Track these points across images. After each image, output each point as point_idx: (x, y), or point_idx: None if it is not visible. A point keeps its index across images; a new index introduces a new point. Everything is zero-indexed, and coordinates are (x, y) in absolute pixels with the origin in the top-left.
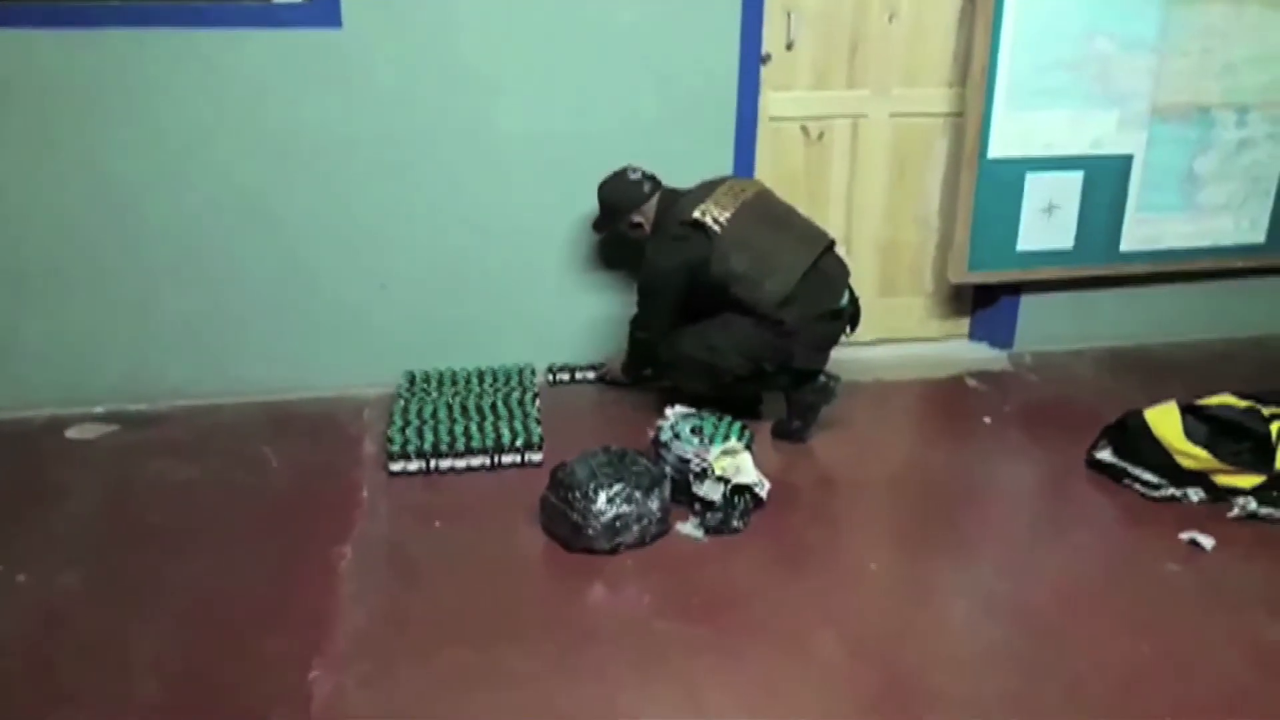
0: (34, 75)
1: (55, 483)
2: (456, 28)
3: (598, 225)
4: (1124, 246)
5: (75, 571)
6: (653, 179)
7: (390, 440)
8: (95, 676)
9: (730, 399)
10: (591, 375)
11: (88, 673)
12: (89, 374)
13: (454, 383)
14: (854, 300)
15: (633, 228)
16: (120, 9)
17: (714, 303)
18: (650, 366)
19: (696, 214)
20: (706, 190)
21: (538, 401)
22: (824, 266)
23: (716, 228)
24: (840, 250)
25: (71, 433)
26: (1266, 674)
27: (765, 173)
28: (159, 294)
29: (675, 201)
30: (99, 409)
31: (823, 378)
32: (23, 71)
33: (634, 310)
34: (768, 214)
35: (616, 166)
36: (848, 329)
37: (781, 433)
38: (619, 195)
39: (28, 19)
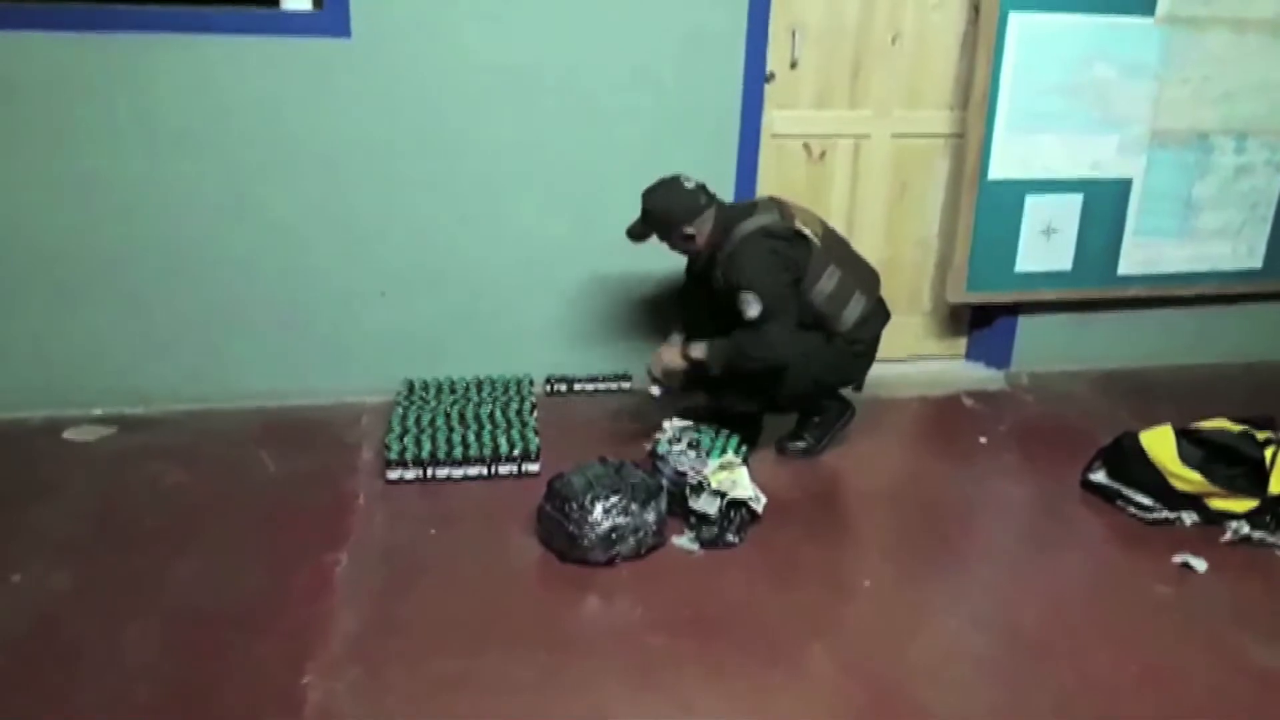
0: (39, 78)
1: (51, 484)
2: (463, 41)
3: (639, 233)
4: (1122, 270)
5: (69, 573)
6: (705, 189)
7: (388, 447)
8: (87, 678)
9: (733, 419)
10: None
11: (80, 675)
12: (87, 376)
13: (452, 391)
14: None
15: (685, 239)
16: (128, 13)
17: None
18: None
19: (798, 226)
20: (780, 207)
21: (536, 412)
22: (880, 294)
23: (817, 241)
24: None
25: (68, 434)
26: (1255, 696)
27: (768, 190)
28: (159, 297)
29: (745, 214)
30: (97, 411)
31: (842, 403)
32: (27, 74)
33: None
34: (839, 240)
35: (618, 180)
36: None
37: (788, 449)
38: (674, 204)
39: (34, 22)
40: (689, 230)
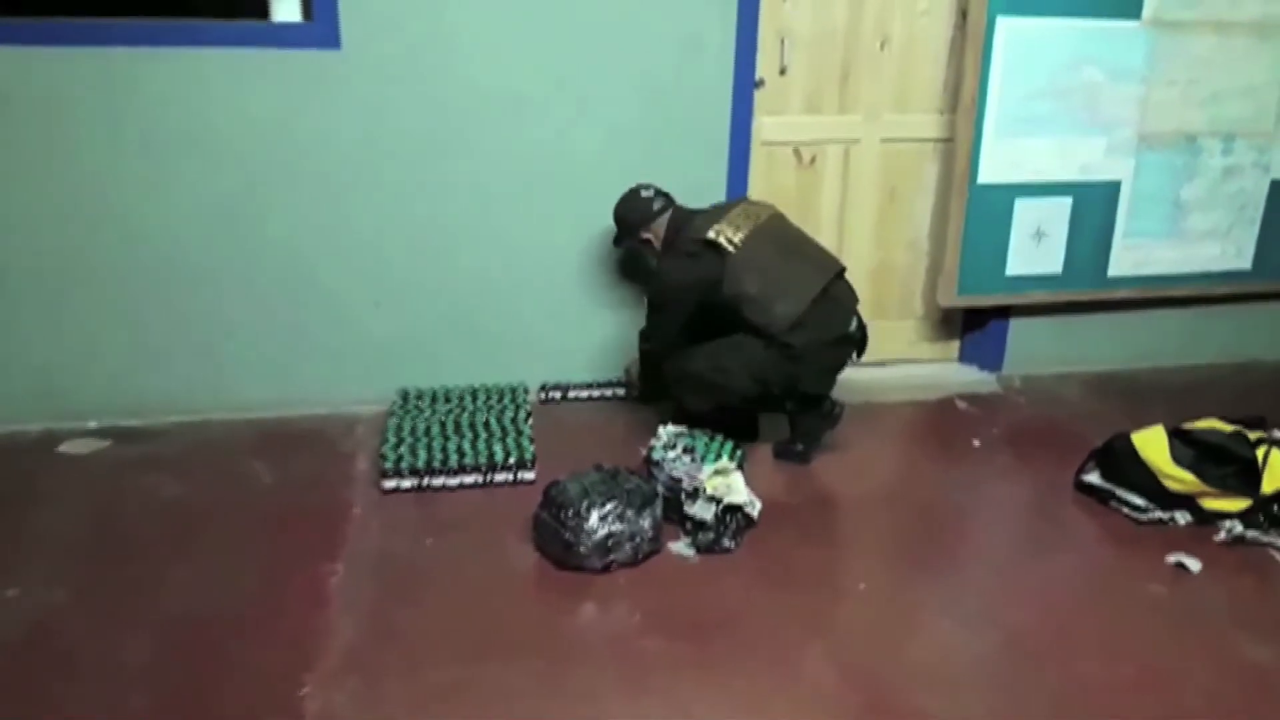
0: (32, 91)
1: (48, 497)
2: (454, 50)
3: (616, 240)
4: (1112, 272)
5: (66, 586)
6: (665, 196)
7: (383, 457)
8: (85, 691)
9: (730, 421)
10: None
11: (77, 687)
12: (82, 389)
13: (447, 400)
14: (861, 326)
15: (643, 244)
16: (120, 27)
17: (724, 324)
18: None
19: (710, 234)
20: (721, 211)
21: (530, 420)
22: (834, 292)
23: (730, 248)
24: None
25: (64, 447)
26: (1250, 696)
27: (757, 196)
28: (153, 309)
29: (689, 220)
30: (92, 424)
31: (828, 403)
32: (21, 87)
33: (642, 324)
34: (781, 238)
35: (609, 188)
36: (855, 354)
37: (783, 454)
38: (629, 212)
39: (28, 36)
40: (645, 235)
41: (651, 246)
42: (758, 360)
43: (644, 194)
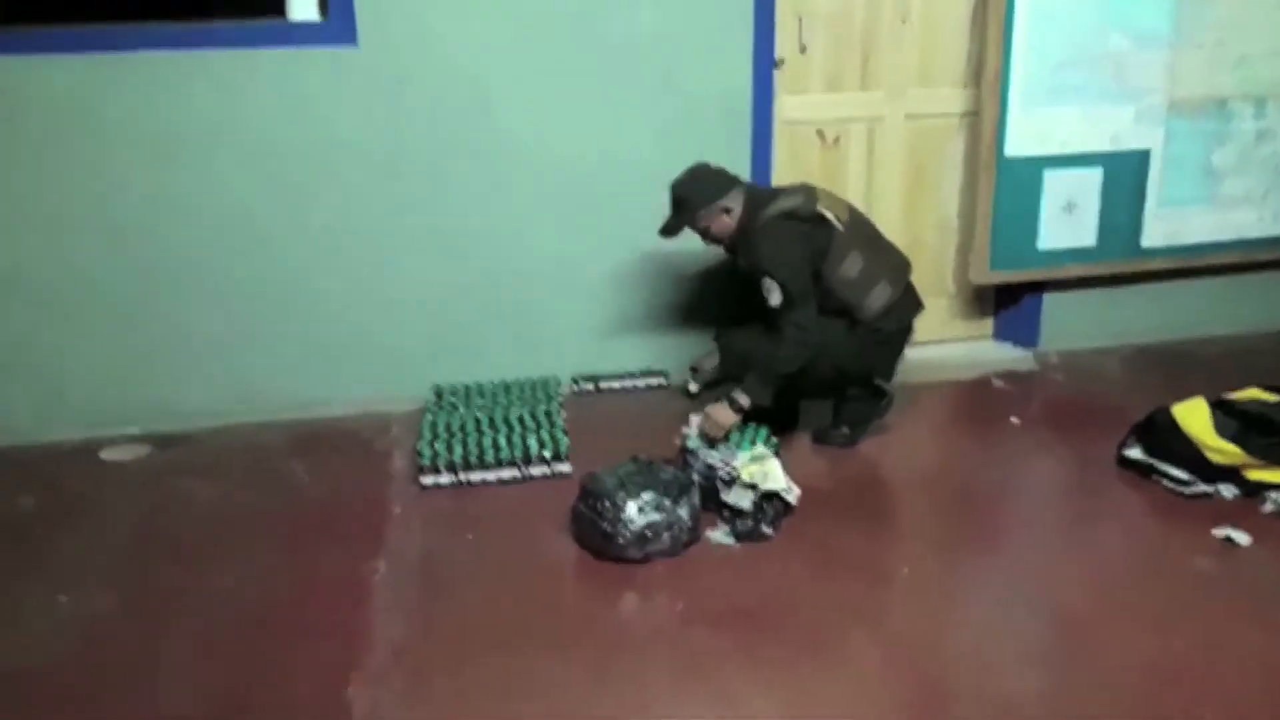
0: (56, 100)
1: (94, 504)
2: (472, 44)
3: (669, 227)
4: (1146, 242)
5: (113, 591)
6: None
7: (420, 454)
8: (134, 694)
9: (773, 410)
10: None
11: (126, 690)
12: (123, 396)
13: (481, 396)
14: None
15: (723, 211)
16: (137, 32)
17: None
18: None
19: (820, 208)
20: (807, 192)
21: (563, 412)
22: (911, 284)
23: (838, 225)
24: None
25: (106, 454)
26: None
27: (782, 177)
28: (188, 316)
29: (772, 197)
30: (133, 430)
31: (878, 391)
32: (44, 96)
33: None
34: (868, 229)
35: (632, 175)
36: None
37: (826, 438)
38: (702, 185)
39: (46, 45)
40: (725, 204)
41: (725, 222)
42: (841, 344)
43: (712, 166)
